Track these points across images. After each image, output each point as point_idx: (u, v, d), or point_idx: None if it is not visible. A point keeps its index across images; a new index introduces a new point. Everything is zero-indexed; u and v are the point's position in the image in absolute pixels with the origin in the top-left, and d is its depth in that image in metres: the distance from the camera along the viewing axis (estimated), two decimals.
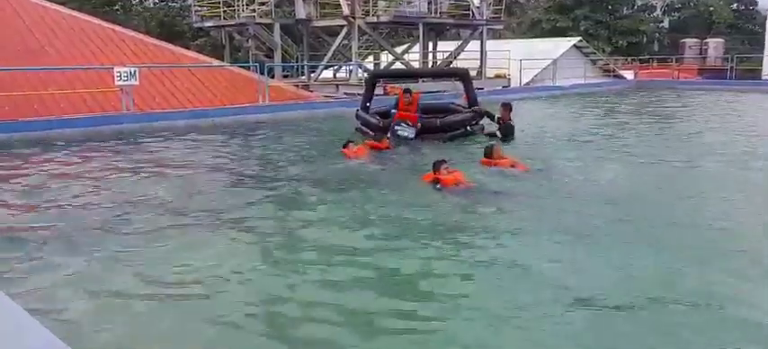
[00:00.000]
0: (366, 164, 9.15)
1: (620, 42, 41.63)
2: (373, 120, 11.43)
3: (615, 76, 31.47)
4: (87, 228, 5.91)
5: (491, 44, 26.86)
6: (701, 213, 6.55)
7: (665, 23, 48.21)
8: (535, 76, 27.77)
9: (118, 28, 19.08)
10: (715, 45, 38.55)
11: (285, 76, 23.89)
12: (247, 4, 23.13)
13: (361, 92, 13.47)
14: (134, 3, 35.90)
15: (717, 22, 44.77)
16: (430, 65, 25.44)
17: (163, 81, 16.46)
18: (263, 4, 23.27)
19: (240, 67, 20.47)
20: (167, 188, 7.67)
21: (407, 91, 11.54)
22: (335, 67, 26.42)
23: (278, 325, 4.02)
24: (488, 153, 8.62)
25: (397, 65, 24.77)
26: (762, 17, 39.13)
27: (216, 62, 21.36)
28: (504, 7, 27.21)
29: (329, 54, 23.71)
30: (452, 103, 13.23)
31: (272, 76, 20.71)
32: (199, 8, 25.55)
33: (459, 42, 26.19)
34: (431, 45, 26.11)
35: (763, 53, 32.75)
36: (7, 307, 1.68)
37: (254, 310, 4.22)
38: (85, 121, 12.57)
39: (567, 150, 10.60)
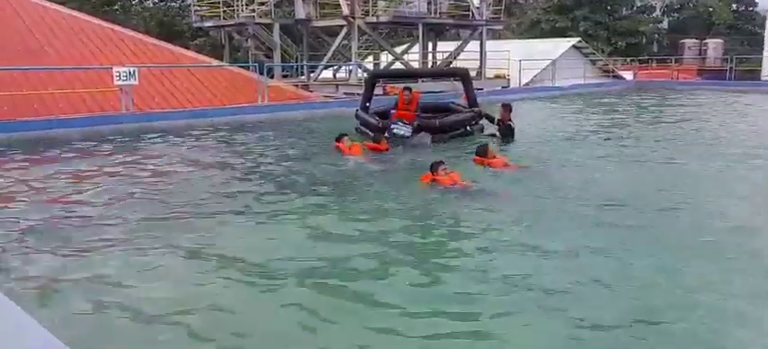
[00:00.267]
0: (363, 164, 9.17)
1: (620, 43, 41.67)
2: (372, 121, 11.43)
3: (614, 76, 31.50)
4: (86, 227, 5.91)
5: (491, 44, 26.87)
6: (700, 212, 6.56)
7: (665, 24, 48.23)
8: (534, 76, 27.78)
9: (117, 28, 19.08)
10: (714, 46, 38.59)
11: (285, 76, 23.89)
12: (247, 4, 23.11)
13: (361, 92, 13.47)
14: (133, 3, 35.87)
15: (716, 22, 44.80)
16: (430, 65, 25.45)
17: (162, 81, 16.46)
18: (262, 4, 23.27)
19: (239, 67, 20.48)
20: (165, 187, 7.68)
21: (407, 89, 11.60)
22: (335, 67, 26.42)
23: (271, 325, 4.03)
24: (481, 152, 8.61)
25: (397, 65, 24.77)
26: (761, 18, 39.16)
27: (215, 62, 21.36)
28: (503, 8, 27.23)
29: (329, 54, 23.71)
30: (453, 103, 13.20)
31: (272, 76, 20.71)
32: (198, 8, 25.53)
33: (459, 43, 26.20)
34: (430, 45, 26.11)
35: (762, 54, 32.78)
36: (6, 307, 1.68)
37: (248, 310, 4.22)
38: (84, 121, 12.56)
39: (565, 151, 10.60)
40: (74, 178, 8.25)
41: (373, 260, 5.10)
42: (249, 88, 16.87)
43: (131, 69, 13.56)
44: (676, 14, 49.04)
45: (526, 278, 4.66)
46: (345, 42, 23.42)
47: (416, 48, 25.06)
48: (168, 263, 4.96)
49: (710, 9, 45.59)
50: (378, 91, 16.29)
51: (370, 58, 29.07)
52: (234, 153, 10.43)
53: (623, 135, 12.72)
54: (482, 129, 11.71)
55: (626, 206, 6.76)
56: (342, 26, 22.57)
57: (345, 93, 20.86)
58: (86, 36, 17.48)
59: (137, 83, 13.56)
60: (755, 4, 47.00)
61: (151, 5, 37.01)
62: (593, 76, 30.86)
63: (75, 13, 19.16)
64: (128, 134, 12.02)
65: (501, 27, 31.14)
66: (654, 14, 47.50)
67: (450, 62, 25.28)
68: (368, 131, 11.32)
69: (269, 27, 23.36)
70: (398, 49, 26.82)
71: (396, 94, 13.45)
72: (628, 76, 30.90)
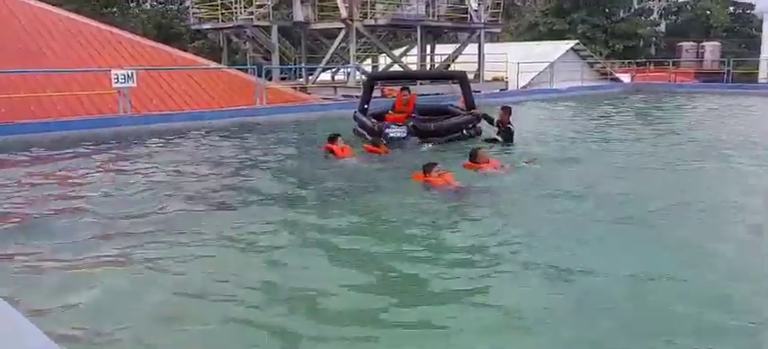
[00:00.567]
0: (356, 166, 9.19)
1: (617, 46, 41.70)
2: (368, 123, 11.44)
3: (612, 79, 31.56)
4: (85, 230, 5.89)
5: (489, 47, 26.91)
6: (695, 214, 6.57)
7: (662, 27, 48.31)
8: (532, 78, 27.83)
9: (115, 30, 19.06)
10: (711, 48, 38.62)
11: (283, 79, 23.91)
12: (245, 7, 23.13)
13: (359, 94, 13.47)
14: (132, 5, 35.85)
15: (713, 25, 44.89)
16: (428, 67, 25.48)
17: (160, 83, 16.45)
18: (260, 6, 23.28)
19: (238, 69, 20.48)
20: (162, 190, 7.66)
21: (406, 89, 11.66)
22: (333, 70, 26.43)
23: (267, 326, 4.02)
24: (472, 157, 8.59)
25: (395, 67, 24.79)
26: (758, 21, 39.21)
27: (213, 64, 21.34)
28: (501, 10, 27.27)
29: (327, 57, 23.72)
30: (452, 105, 13.15)
31: (270, 79, 20.71)
32: (196, 10, 25.55)
33: (457, 45, 26.23)
34: (429, 48, 26.14)
35: (759, 57, 32.84)
36: (4, 310, 1.67)
37: (243, 312, 4.20)
38: (82, 124, 12.55)
39: (562, 152, 10.61)
40: (70, 180, 8.24)
41: (362, 265, 5.09)
42: (247, 90, 16.86)
43: (129, 72, 13.54)
44: (674, 17, 49.11)
45: (513, 280, 4.68)
46: (343, 45, 23.44)
47: (415, 50, 25.09)
48: (163, 266, 4.95)
49: (708, 12, 45.71)
50: (377, 93, 16.30)
51: (369, 61, 29.09)
52: (230, 155, 10.41)
53: (620, 137, 12.74)
54: (480, 133, 11.66)
55: (620, 205, 6.82)
56: (340, 29, 22.58)
57: (344, 96, 20.87)
58: (84, 38, 17.47)
59: (135, 85, 13.55)
60: (752, 7, 47.09)
61: (149, 8, 36.99)
62: (591, 78, 30.92)
63: (73, 15, 19.15)
64: (125, 136, 12.00)
65: (499, 30, 31.17)
66: (651, 17, 47.54)
67: (449, 65, 25.30)
68: (364, 133, 11.31)
69: (267, 29, 23.36)
70: (397, 52, 26.84)
71: (394, 97, 13.48)
72: (625, 78, 30.96)
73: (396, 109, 11.89)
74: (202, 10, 25.18)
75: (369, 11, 22.17)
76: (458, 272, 4.94)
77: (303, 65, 24.78)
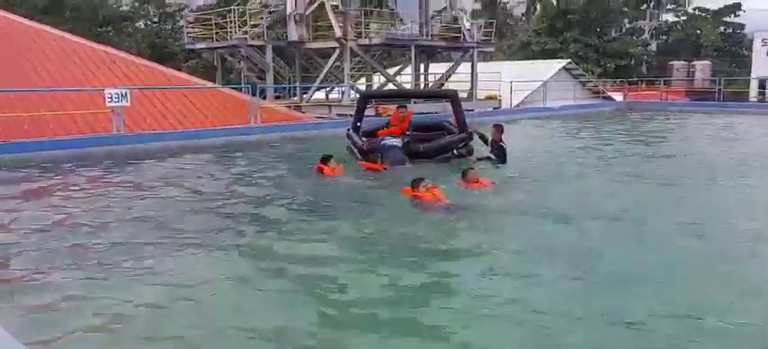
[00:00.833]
0: (351, 182, 9.23)
1: (609, 65, 42.14)
2: (359, 141, 11.46)
3: (604, 97, 31.80)
4: (75, 248, 5.86)
5: (482, 66, 27.12)
6: (687, 230, 6.58)
7: (653, 46, 48.85)
8: (526, 97, 28.00)
9: (109, 49, 19.08)
10: (702, 67, 39.03)
11: (277, 98, 23.96)
12: (240, 27, 23.24)
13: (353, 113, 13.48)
14: (126, 24, 35.96)
15: (704, 44, 45.39)
16: (422, 86, 25.61)
17: (154, 103, 16.44)
18: (255, 26, 23.40)
19: (232, 88, 20.51)
20: (153, 210, 7.60)
21: (402, 107, 11.75)
22: (328, 89, 26.53)
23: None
24: (464, 176, 8.61)
25: (390, 86, 24.91)
26: (748, 40, 39.68)
27: (208, 84, 21.38)
28: (494, 30, 27.50)
29: (321, 76, 23.81)
30: (447, 122, 13.10)
31: (264, 98, 20.75)
32: (191, 30, 25.65)
33: (451, 64, 26.41)
34: (423, 67, 26.29)
35: (749, 76, 33.20)
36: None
37: (230, 330, 4.20)
38: (76, 143, 12.51)
39: (553, 170, 10.65)
40: (62, 200, 8.19)
41: (350, 276, 5.13)
42: (241, 110, 16.88)
43: (123, 91, 13.55)
44: (664, 37, 49.69)
45: (497, 295, 4.69)
46: (338, 64, 23.54)
47: (409, 69, 25.23)
48: (155, 286, 4.92)
49: (698, 31, 46.23)
50: (371, 112, 16.35)
51: (363, 80, 29.23)
52: (223, 175, 10.38)
53: (614, 154, 12.81)
54: (471, 152, 11.60)
55: (609, 225, 6.83)
56: (334, 48, 22.70)
57: (338, 114, 20.92)
58: (78, 57, 17.48)
59: (129, 104, 13.54)
60: (743, 27, 47.69)
61: (144, 27, 37.11)
62: (584, 97, 31.15)
63: (67, 34, 19.17)
64: (118, 156, 11.96)
65: (492, 49, 31.44)
66: (642, 37, 48.11)
67: (443, 83, 25.45)
68: (356, 152, 11.33)
69: (261, 49, 23.46)
70: (391, 71, 26.99)
71: (388, 115, 13.51)
72: (617, 97, 31.20)
73: (390, 125, 11.95)
74: (197, 29, 25.27)
75: (363, 30, 22.32)
76: (440, 288, 4.98)
77: (297, 84, 24.86)
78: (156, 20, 36.80)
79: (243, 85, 20.94)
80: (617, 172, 10.63)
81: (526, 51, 44.04)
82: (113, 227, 6.70)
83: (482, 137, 11.61)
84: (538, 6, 48.71)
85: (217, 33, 23.74)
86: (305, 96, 24.38)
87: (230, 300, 4.66)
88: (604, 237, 6.41)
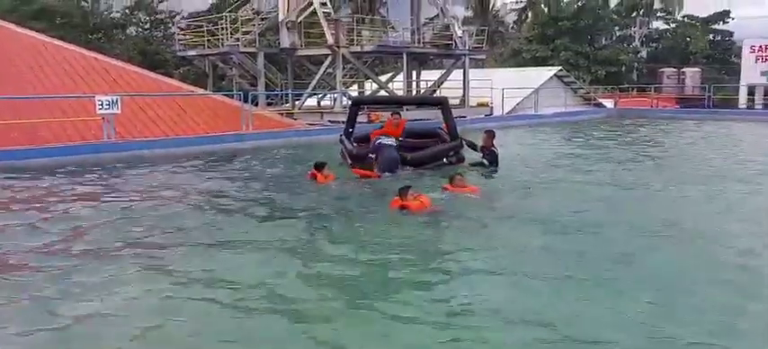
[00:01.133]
0: (342, 188, 9.23)
1: (600, 72, 42.36)
2: (350, 147, 11.47)
3: (595, 104, 31.97)
4: (64, 256, 5.82)
5: (474, 73, 27.17)
6: (675, 238, 6.58)
7: (644, 54, 49.18)
8: (517, 104, 28.09)
9: (100, 56, 19.01)
10: (692, 74, 39.31)
11: (269, 104, 23.91)
12: (231, 33, 23.20)
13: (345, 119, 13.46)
14: (117, 31, 35.79)
15: (693, 52, 45.71)
16: (413, 93, 25.64)
17: (145, 110, 16.36)
18: (247, 33, 23.37)
19: (224, 95, 20.45)
20: (143, 217, 7.56)
21: (396, 114, 11.89)
22: (320, 96, 26.51)
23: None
24: (451, 180, 8.63)
25: (381, 93, 24.92)
26: (737, 48, 39.99)
27: (199, 90, 21.31)
28: (486, 37, 27.61)
29: (313, 82, 23.79)
30: (440, 129, 13.10)
31: (256, 104, 20.70)
32: (182, 37, 25.58)
33: (443, 71, 26.48)
34: (414, 74, 26.34)
35: (738, 83, 33.46)
36: None
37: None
38: (65, 150, 12.43)
39: (544, 176, 10.65)
40: (51, 207, 8.12)
41: (338, 286, 5.11)
42: (233, 116, 16.83)
43: (114, 98, 13.49)
44: (654, 44, 50.01)
45: (485, 303, 4.68)
46: (330, 71, 23.54)
47: (401, 76, 25.27)
48: (145, 296, 4.88)
49: (688, 39, 46.56)
50: (363, 118, 16.34)
51: (355, 87, 29.24)
52: (214, 181, 10.33)
53: (604, 161, 12.85)
54: (463, 159, 11.59)
55: (596, 227, 6.90)
56: (327, 55, 22.70)
57: (330, 121, 20.91)
58: (69, 64, 17.38)
59: (119, 111, 13.48)
60: (732, 35, 48.08)
61: (135, 34, 36.95)
62: (575, 103, 31.28)
63: (57, 41, 19.07)
64: (108, 163, 11.88)
65: (483, 56, 31.56)
66: (633, 44, 48.41)
67: (435, 90, 25.49)
68: (347, 158, 11.32)
69: (253, 56, 23.43)
70: (383, 78, 27.02)
71: (381, 121, 13.53)
72: (608, 103, 31.37)
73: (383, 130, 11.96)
74: (188, 36, 25.20)
75: (355, 37, 22.34)
76: (424, 292, 4.97)
77: (290, 90, 24.83)
78: (147, 27, 36.63)
79: (235, 92, 20.89)
80: (606, 178, 10.66)
81: (517, 58, 44.22)
82: (97, 233, 6.66)
83: (471, 144, 11.62)
84: (529, 14, 48.94)
85: (208, 40, 23.68)
86: (297, 103, 24.36)
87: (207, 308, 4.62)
88: (592, 241, 6.43)
